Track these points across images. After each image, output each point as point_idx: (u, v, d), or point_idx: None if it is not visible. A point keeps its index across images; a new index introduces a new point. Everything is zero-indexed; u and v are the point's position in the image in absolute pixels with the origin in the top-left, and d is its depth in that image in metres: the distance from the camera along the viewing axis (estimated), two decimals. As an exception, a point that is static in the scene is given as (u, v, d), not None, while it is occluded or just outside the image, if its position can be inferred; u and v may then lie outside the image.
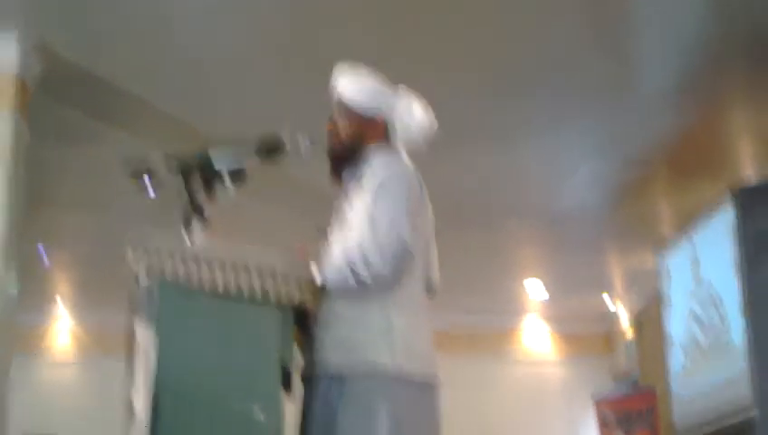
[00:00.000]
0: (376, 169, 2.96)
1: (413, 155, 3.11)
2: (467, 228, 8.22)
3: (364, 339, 2.79)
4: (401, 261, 2.80)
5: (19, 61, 5.46)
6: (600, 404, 9.99)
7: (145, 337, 2.60)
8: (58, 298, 10.78)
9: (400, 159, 3.03)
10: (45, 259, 8.95)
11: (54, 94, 5.96)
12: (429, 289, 3.00)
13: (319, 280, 2.83)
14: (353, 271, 2.78)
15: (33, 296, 9.75)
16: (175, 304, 2.64)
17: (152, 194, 2.94)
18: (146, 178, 3.00)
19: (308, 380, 2.88)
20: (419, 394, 2.82)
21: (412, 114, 3.07)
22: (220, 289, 2.65)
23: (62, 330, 11.29)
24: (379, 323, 2.80)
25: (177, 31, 5.45)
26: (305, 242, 3.02)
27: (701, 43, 5.62)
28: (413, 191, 2.92)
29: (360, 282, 2.78)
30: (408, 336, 2.82)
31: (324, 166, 3.10)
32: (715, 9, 5.31)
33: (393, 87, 3.13)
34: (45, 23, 5.37)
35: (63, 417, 10.58)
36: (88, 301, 10.61)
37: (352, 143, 3.06)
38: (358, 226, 2.90)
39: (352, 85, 3.09)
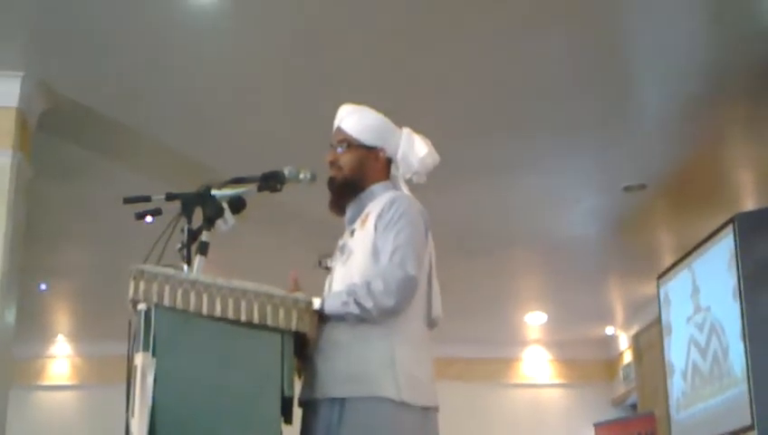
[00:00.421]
0: (381, 203, 2.97)
1: (414, 187, 3.13)
2: (469, 258, 8.25)
3: (367, 370, 2.79)
4: (406, 292, 2.80)
5: (22, 99, 5.51)
6: (600, 429, 9.98)
7: (143, 363, 2.59)
8: (57, 329, 10.79)
9: (406, 194, 3.05)
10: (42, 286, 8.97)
11: (56, 131, 6.02)
12: (431, 322, 2.99)
13: (317, 307, 2.82)
14: (356, 301, 2.78)
15: (33, 329, 9.76)
16: (173, 330, 2.63)
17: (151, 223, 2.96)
18: (147, 216, 3.03)
19: (307, 404, 2.88)
20: (420, 419, 2.82)
21: (414, 150, 3.09)
22: (218, 314, 2.64)
23: (62, 360, 11.28)
24: (382, 354, 2.80)
25: (177, 67, 5.49)
26: (299, 270, 3.03)
27: (700, 74, 5.66)
28: (418, 225, 2.93)
29: (363, 312, 2.78)
30: (410, 367, 2.82)
31: (322, 195, 3.12)
32: (715, 40, 5.35)
33: (396, 125, 3.15)
34: (49, 61, 5.42)
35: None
36: (87, 332, 10.61)
37: (354, 176, 3.06)
38: (362, 257, 2.92)
39: (357, 119, 3.10)
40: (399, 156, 3.09)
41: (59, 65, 5.45)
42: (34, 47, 5.32)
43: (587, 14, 5.08)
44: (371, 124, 3.10)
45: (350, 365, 2.80)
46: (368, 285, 2.79)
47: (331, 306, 2.83)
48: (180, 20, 5.07)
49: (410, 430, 2.78)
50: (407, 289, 2.80)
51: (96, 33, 5.15)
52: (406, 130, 3.13)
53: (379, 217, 2.92)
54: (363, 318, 2.80)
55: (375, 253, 2.88)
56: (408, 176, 3.12)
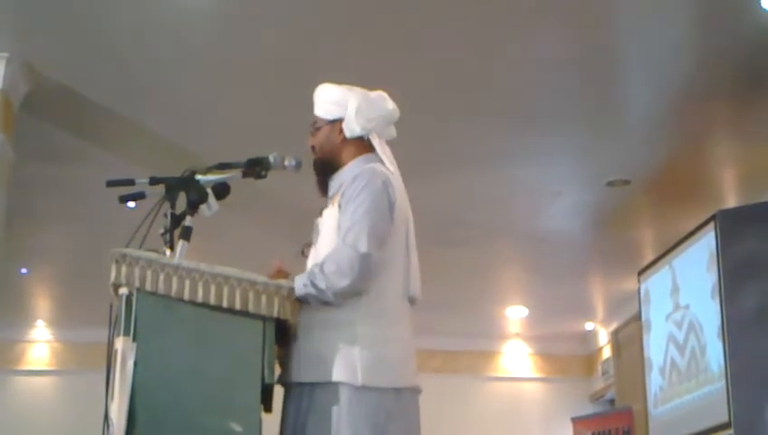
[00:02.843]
0: (346, 180, 2.97)
1: (398, 163, 3.10)
2: (450, 249, 8.25)
3: (328, 353, 2.79)
4: (358, 271, 2.77)
5: (5, 80, 5.47)
6: (577, 424, 10.01)
7: (123, 348, 2.59)
8: (37, 314, 10.73)
9: (374, 166, 3.00)
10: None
11: (40, 113, 5.97)
12: (409, 299, 2.97)
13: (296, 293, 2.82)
14: (313, 283, 2.79)
15: (13, 313, 9.72)
16: (154, 315, 2.63)
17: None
18: (131, 199, 3.02)
19: (285, 386, 2.90)
20: (390, 402, 2.80)
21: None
22: (200, 300, 2.64)
23: (41, 345, 11.23)
24: (345, 335, 2.80)
25: (162, 52, 5.46)
26: (282, 258, 3.03)
27: (685, 73, 5.68)
28: (379, 199, 2.89)
29: (320, 294, 2.79)
30: (374, 347, 2.80)
31: (307, 183, 3.14)
32: (700, 39, 5.37)
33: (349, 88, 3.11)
34: (33, 43, 5.38)
35: (40, 431, 10.53)
36: (67, 317, 10.56)
37: (325, 155, 3.07)
38: (328, 236, 2.93)
39: (320, 97, 3.12)
40: (354, 116, 3.04)
41: (44, 47, 5.41)
42: (19, 28, 5.28)
43: (574, 11, 5.09)
44: (330, 98, 3.10)
45: (313, 350, 2.82)
46: (321, 266, 2.80)
47: (297, 289, 2.82)
48: (168, 5, 5.04)
49: (373, 415, 2.76)
50: (359, 268, 2.77)
51: (81, 16, 5.12)
52: (357, 89, 3.10)
53: (343, 194, 2.92)
54: (323, 299, 2.80)
55: (339, 232, 2.88)
56: (363, 135, 3.04)
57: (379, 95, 3.09)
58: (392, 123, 3.12)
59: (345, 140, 3.05)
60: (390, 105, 3.09)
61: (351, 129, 3.04)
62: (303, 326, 2.84)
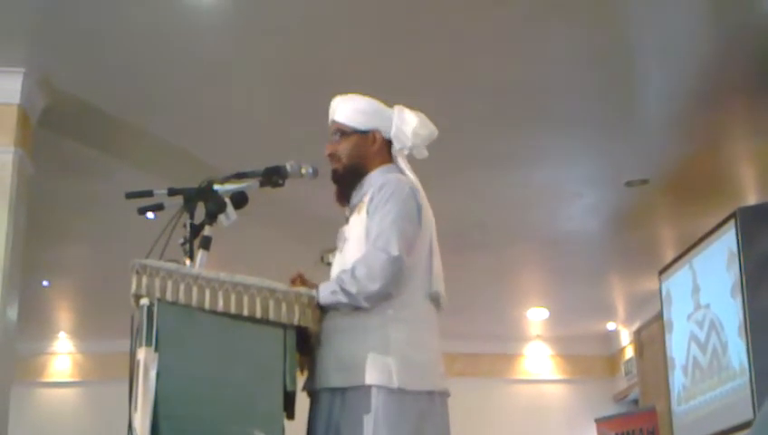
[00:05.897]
0: (373, 187, 2.97)
1: (416, 165, 3.11)
2: (471, 253, 8.24)
3: (361, 357, 2.79)
4: (390, 275, 2.79)
5: (23, 95, 5.50)
6: (601, 425, 9.98)
7: (145, 358, 2.60)
8: (59, 326, 10.79)
9: (398, 174, 3.03)
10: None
11: (58, 128, 6.01)
12: (435, 302, 2.97)
13: (318, 300, 2.82)
14: (343, 289, 2.80)
15: (35, 326, 9.77)
16: (175, 325, 2.64)
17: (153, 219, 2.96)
18: (150, 211, 3.03)
19: (312, 394, 2.90)
20: (424, 405, 2.82)
21: (406, 122, 3.08)
22: (220, 309, 2.65)
23: (64, 357, 11.29)
24: (377, 341, 2.80)
25: (177, 64, 5.49)
26: (301, 265, 3.03)
27: (702, 70, 5.65)
28: (407, 205, 2.91)
29: (350, 299, 2.80)
30: (406, 351, 2.81)
31: (325, 191, 3.13)
32: (716, 35, 5.35)
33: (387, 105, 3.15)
34: (50, 57, 5.41)
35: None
36: (89, 329, 10.62)
37: (354, 164, 3.07)
38: (356, 244, 2.93)
39: (347, 107, 3.11)
40: (393, 132, 3.08)
41: (60, 62, 5.45)
42: (36, 44, 5.32)
43: (590, 11, 5.09)
44: (361, 108, 3.11)
45: (346, 354, 2.82)
46: (352, 270, 2.81)
47: (324, 297, 2.84)
48: (180, 17, 5.06)
49: (410, 417, 2.77)
50: (391, 271, 2.79)
51: (97, 30, 5.15)
52: (397, 107, 3.13)
53: (371, 201, 2.94)
54: (354, 305, 2.81)
55: (368, 238, 2.89)
56: (406, 152, 3.10)
57: (423, 117, 3.12)
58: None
59: (378, 150, 3.07)
60: (433, 127, 3.12)
61: (404, 142, 3.07)
62: (330, 332, 2.85)
